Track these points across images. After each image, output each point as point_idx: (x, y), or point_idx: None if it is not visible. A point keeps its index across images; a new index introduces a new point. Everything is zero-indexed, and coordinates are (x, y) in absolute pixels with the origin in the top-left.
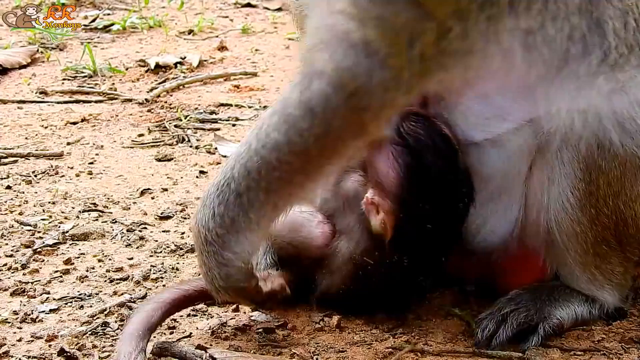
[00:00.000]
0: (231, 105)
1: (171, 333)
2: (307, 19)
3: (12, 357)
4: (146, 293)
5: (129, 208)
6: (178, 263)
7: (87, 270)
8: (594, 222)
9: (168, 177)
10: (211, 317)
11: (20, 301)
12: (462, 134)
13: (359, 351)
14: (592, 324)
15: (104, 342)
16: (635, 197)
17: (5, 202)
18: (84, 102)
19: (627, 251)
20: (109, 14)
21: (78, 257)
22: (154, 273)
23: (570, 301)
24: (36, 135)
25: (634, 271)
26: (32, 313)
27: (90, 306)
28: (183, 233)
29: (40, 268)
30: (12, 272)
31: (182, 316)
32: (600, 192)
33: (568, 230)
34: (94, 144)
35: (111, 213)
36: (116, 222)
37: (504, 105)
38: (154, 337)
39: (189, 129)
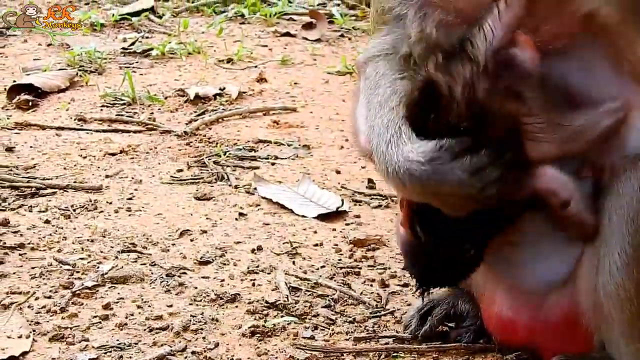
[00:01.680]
0: (270, 142)
1: None
2: None
3: None
4: (186, 345)
5: (168, 250)
6: (218, 314)
7: (126, 317)
8: None
9: (207, 218)
10: None
11: (59, 348)
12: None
13: None
14: None
15: None
16: None
17: (44, 237)
18: (123, 131)
19: None
20: (147, 38)
21: (117, 302)
22: (193, 324)
23: None
24: (75, 165)
25: None
26: None
27: (130, 357)
28: (222, 280)
29: (79, 312)
30: (51, 316)
31: None
32: None
33: (614, 295)
34: (132, 178)
35: (150, 255)
36: (155, 265)
37: None
38: None
39: (227, 166)
